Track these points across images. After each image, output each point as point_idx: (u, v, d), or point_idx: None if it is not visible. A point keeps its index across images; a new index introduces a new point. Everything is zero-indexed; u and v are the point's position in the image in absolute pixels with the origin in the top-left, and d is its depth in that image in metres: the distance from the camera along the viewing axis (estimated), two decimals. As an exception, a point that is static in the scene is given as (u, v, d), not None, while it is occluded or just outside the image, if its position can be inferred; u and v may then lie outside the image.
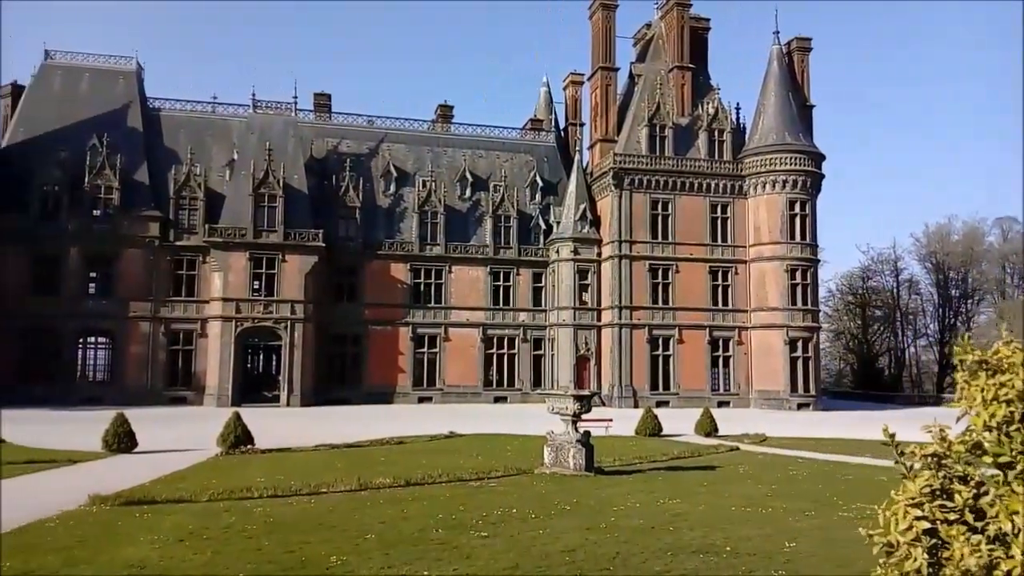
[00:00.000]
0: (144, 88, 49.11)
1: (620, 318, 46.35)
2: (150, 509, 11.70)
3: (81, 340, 43.42)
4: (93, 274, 44.28)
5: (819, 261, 48.72)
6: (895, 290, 73.26)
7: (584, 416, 17.09)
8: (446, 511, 11.41)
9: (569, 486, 14.23)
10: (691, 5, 50.99)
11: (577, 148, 53.34)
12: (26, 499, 12.72)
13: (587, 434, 16.99)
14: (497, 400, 48.10)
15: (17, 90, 48.20)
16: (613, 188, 47.15)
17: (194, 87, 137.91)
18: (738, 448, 23.12)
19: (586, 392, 18.38)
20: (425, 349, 47.94)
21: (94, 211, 43.71)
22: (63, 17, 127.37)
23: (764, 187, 47.69)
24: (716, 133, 49.33)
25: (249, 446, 21.15)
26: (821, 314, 54.02)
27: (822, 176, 48.86)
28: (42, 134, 44.71)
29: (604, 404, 43.94)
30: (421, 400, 47.02)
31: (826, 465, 18.90)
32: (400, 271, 47.99)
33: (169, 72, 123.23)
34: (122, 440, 20.78)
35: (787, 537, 9.61)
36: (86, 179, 43.30)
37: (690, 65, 50.34)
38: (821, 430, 30.61)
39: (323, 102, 52.56)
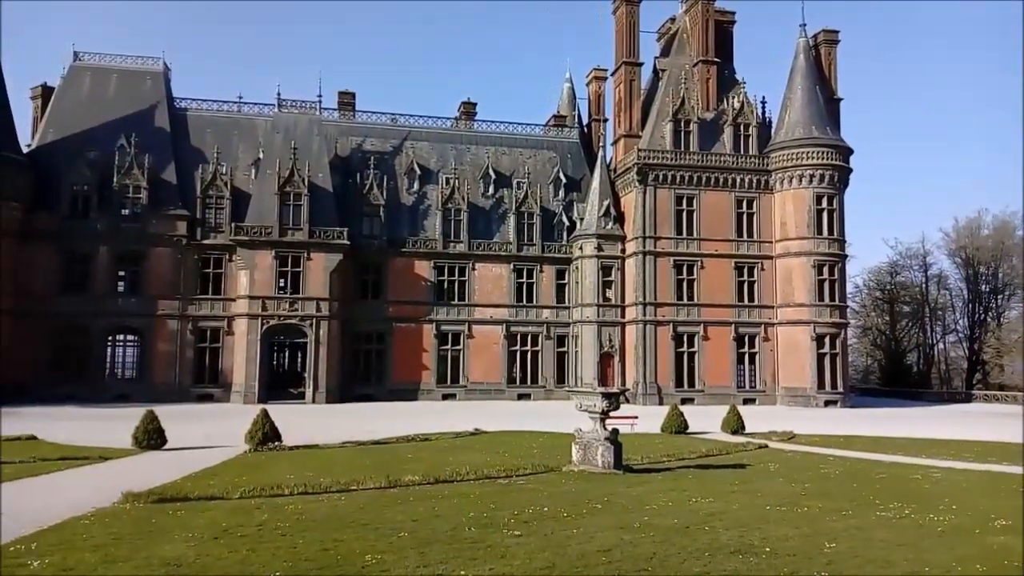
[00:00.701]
0: (171, 88, 49.61)
1: (644, 315, 46.08)
2: (183, 506, 11.77)
3: (110, 338, 43.98)
4: (122, 273, 44.80)
5: (847, 256, 48.09)
6: (924, 285, 72.17)
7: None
8: (477, 509, 11.36)
9: (599, 484, 14.13)
10: (716, -2, 50.52)
11: (600, 144, 53.06)
12: (60, 496, 12.87)
13: (615, 432, 16.87)
14: (520, 397, 48.07)
15: (47, 91, 48.87)
16: (637, 184, 46.86)
17: (220, 87, 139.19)
18: (767, 446, 22.87)
19: (615, 389, 18.24)
20: (449, 346, 48.01)
21: (123, 210, 44.24)
22: (91, 17, 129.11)
23: (791, 182, 47.15)
24: (742, 127, 48.84)
25: (277, 443, 21.27)
26: (848, 310, 53.34)
27: (850, 170, 48.22)
28: (71, 135, 45.32)
29: (629, 401, 43.72)
30: (445, 397, 47.11)
31: (858, 463, 18.61)
32: (424, 268, 48.09)
33: (195, 72, 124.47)
34: (152, 437, 20.97)
35: (826, 538, 9.44)
36: (115, 179, 43.83)
37: (715, 59, 49.88)
38: (850, 427, 30.24)
39: (347, 101, 52.75)
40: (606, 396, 16.61)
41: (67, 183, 43.59)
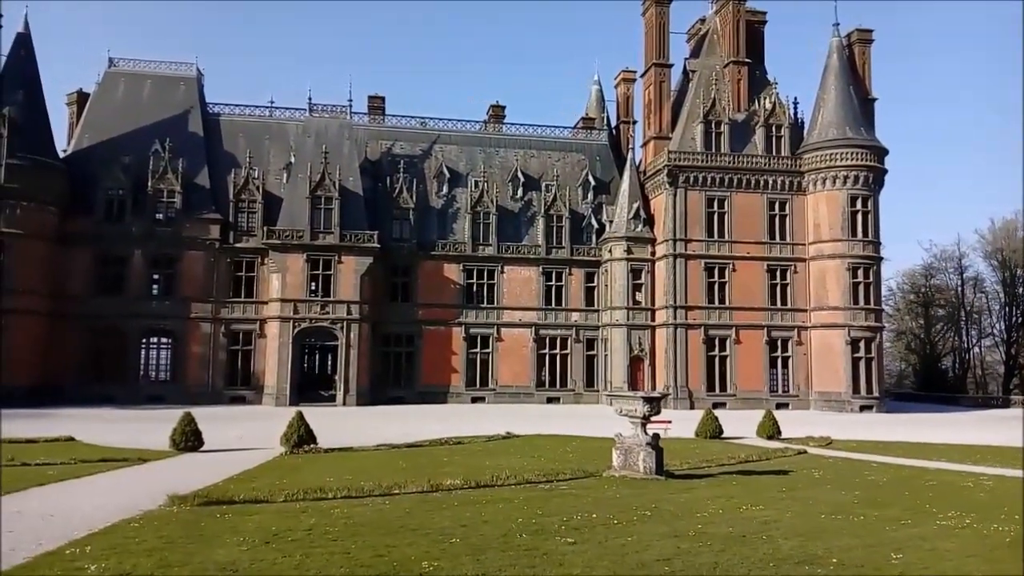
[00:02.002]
0: (204, 93, 50.20)
1: (675, 318, 45.69)
2: (229, 509, 11.75)
3: (144, 340, 44.50)
4: (156, 275, 45.33)
5: (882, 259, 47.33)
6: (959, 288, 70.82)
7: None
8: (524, 515, 11.22)
9: (643, 490, 13.93)
10: (747, -2, 50.06)
11: (630, 146, 52.75)
12: (105, 498, 12.93)
13: (657, 437, 16.63)
14: (550, 400, 47.90)
15: (82, 97, 49.68)
16: (667, 186, 46.50)
17: (251, 91, 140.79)
18: (805, 451, 22.47)
19: (656, 394, 18.00)
20: (478, 349, 47.97)
21: (157, 214, 44.78)
22: (125, 22, 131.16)
23: (824, 183, 46.53)
24: (774, 128, 48.31)
25: (312, 445, 21.32)
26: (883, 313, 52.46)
27: (884, 171, 47.49)
28: (107, 140, 45.99)
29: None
30: (474, 400, 47.08)
31: (904, 470, 18.18)
32: (453, 271, 48.12)
33: (227, 77, 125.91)
34: (189, 439, 21.12)
35: (891, 548, 9.17)
36: (149, 183, 44.40)
37: (746, 60, 49.41)
38: (888, 433, 29.67)
39: (377, 104, 53.02)
40: (647, 401, 16.37)
41: (103, 187, 44.21)
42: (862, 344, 45.33)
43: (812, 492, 14.00)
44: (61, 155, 45.51)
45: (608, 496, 13.21)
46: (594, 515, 11.15)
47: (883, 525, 10.76)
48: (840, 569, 8.13)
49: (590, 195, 51.64)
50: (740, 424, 29.72)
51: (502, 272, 48.76)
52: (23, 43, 44.13)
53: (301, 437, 21.29)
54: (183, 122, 47.81)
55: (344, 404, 43.09)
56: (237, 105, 50.64)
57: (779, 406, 43.36)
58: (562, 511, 11.55)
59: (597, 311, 49.38)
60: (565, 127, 56.52)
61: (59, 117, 49.96)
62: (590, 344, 49.32)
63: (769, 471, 17.54)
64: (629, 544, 9.18)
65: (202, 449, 21.01)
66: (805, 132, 48.75)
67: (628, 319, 47.19)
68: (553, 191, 49.94)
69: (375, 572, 7.91)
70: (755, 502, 12.59)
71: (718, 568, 8.08)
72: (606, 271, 48.86)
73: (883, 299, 56.21)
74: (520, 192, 50.87)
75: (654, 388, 45.98)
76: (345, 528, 10.20)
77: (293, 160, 46.85)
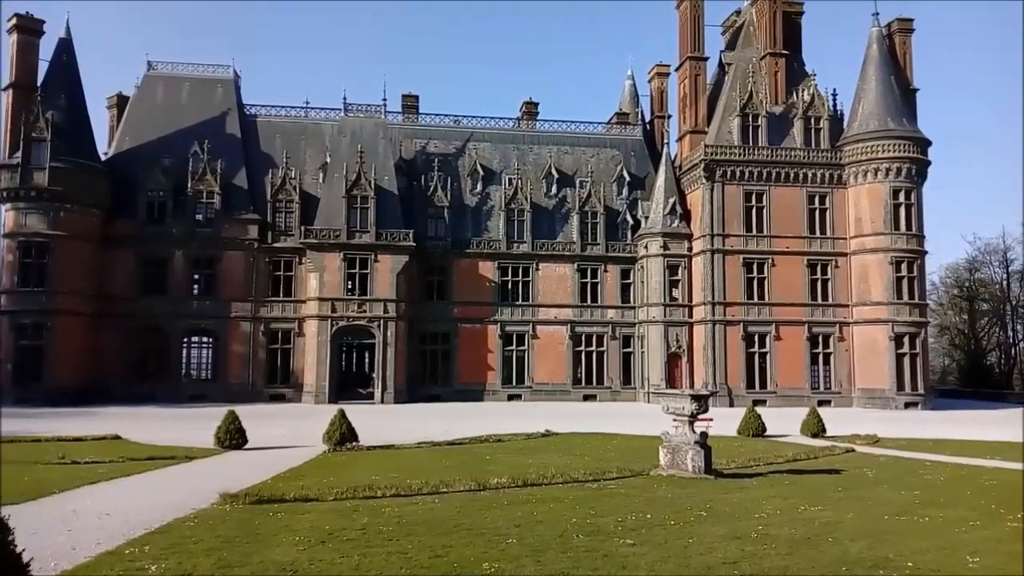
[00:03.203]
0: (241, 95, 50.70)
1: (713, 314, 45.12)
2: (281, 508, 11.78)
3: (186, 339, 45.12)
4: (196, 276, 45.92)
5: (925, 252, 46.25)
6: (1005, 282, 69.02)
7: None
8: (577, 515, 11.07)
9: (694, 490, 13.69)
10: (784, -11, 49.19)
11: (665, 141, 52.22)
12: (158, 497, 13.04)
13: (704, 435, 16.37)
14: (586, 398, 47.64)
15: (122, 100, 50.53)
16: (704, 180, 45.93)
17: (287, 92, 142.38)
18: (853, 450, 22.01)
19: (704, 391, 17.72)
20: (514, 347, 47.88)
21: (197, 215, 45.36)
22: (163, 22, 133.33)
23: (866, 176, 45.60)
24: (812, 121, 47.46)
25: (354, 443, 21.40)
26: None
27: (928, 163, 46.38)
28: (147, 142, 46.70)
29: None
30: (510, 398, 47.00)
31: (960, 469, 17.68)
32: (488, 269, 48.06)
33: (264, 77, 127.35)
34: (233, 437, 21.30)
35: (966, 551, 8.84)
36: (189, 185, 45.00)
37: (783, 51, 48.59)
38: (935, 431, 28.94)
39: (411, 103, 53.14)
40: (695, 398, 16.12)
41: (144, 189, 44.90)
42: (906, 340, 44.36)
43: (869, 492, 13.65)
44: (102, 158, 46.29)
45: (659, 496, 13.01)
46: (648, 515, 10.95)
47: (951, 527, 10.42)
48: (916, 572, 7.86)
49: (625, 191, 51.24)
50: (782, 422, 29.25)
51: (537, 269, 48.59)
52: (65, 48, 44.95)
53: (343, 435, 21.38)
54: (221, 124, 48.37)
55: (382, 402, 43.29)
56: (273, 106, 51.18)
57: (821, 403, 42.51)
58: (615, 511, 11.37)
59: (633, 308, 48.99)
60: (599, 123, 56.11)
61: (100, 120, 50.97)
62: (626, 341, 48.95)
63: (819, 470, 17.18)
64: (691, 546, 8.98)
65: (246, 447, 21.18)
66: (845, 124, 47.82)
67: (665, 316, 46.73)
68: (587, 187, 49.64)
69: (435, 574, 7.83)
70: (812, 502, 12.30)
71: (788, 572, 7.85)
72: (642, 267, 48.43)
73: (926, 294, 54.99)
74: (554, 189, 50.65)
75: (692, 385, 45.46)
76: (398, 527, 10.14)
77: (329, 160, 47.15)
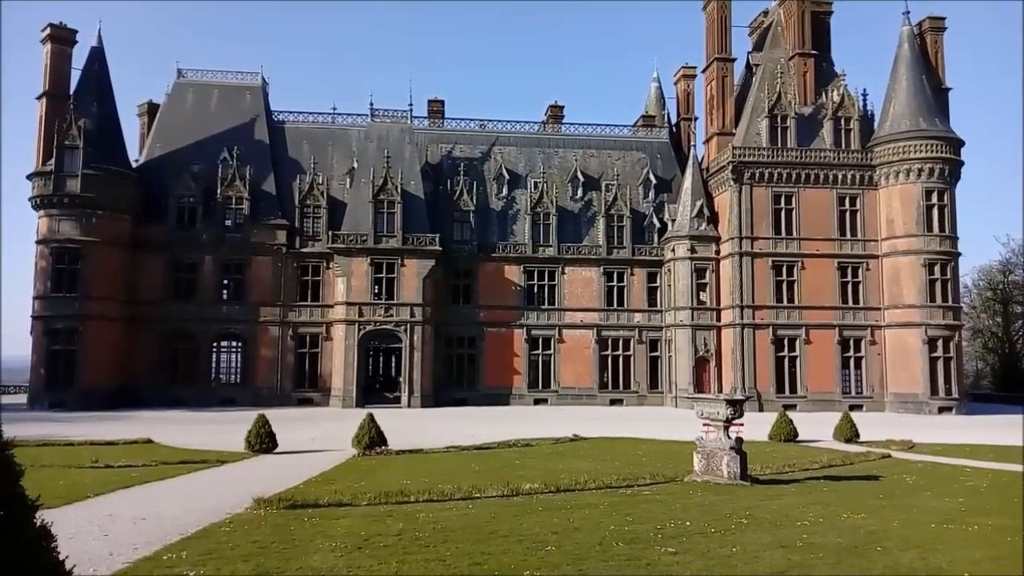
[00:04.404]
0: (269, 101, 51.15)
1: (742, 318, 44.61)
2: (315, 513, 11.75)
3: (215, 343, 45.51)
4: (226, 281, 46.34)
5: (959, 254, 45.37)
6: (1040, 284, 67.48)
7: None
8: (615, 522, 10.91)
9: (731, 496, 13.46)
10: (812, -12, 48.63)
11: (691, 143, 51.80)
12: (192, 501, 13.09)
13: (740, 440, 16.11)
14: (613, 403, 47.31)
15: (152, 108, 51.24)
16: (732, 183, 45.47)
17: (315, 98, 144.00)
18: (889, 456, 21.60)
19: (739, 396, 17.46)
20: (540, 351, 47.70)
21: (226, 221, 45.77)
22: (192, 31, 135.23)
23: (897, 176, 44.87)
24: (842, 121, 46.80)
25: (383, 447, 21.39)
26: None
27: (961, 163, 45.54)
28: (177, 149, 47.21)
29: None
30: (537, 402, 46.82)
31: (1003, 475, 17.25)
32: (513, 273, 47.96)
33: (292, 84, 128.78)
34: (264, 441, 21.41)
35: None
36: (218, 190, 45.44)
37: (812, 52, 48.00)
38: (972, 436, 28.36)
39: (437, 108, 53.28)
40: (730, 403, 15.87)
41: (174, 195, 45.39)
42: (940, 343, 43.53)
43: (912, 499, 13.33)
44: (133, 164, 46.87)
45: (696, 502, 12.80)
46: (687, 523, 10.76)
47: (1002, 536, 10.11)
48: (974, 585, 7.62)
49: (651, 194, 50.89)
50: (814, 426, 28.85)
51: (563, 273, 48.40)
52: (97, 57, 45.62)
53: (372, 439, 21.37)
54: (249, 130, 48.81)
55: (409, 406, 43.33)
56: (301, 112, 51.52)
57: (852, 408, 41.77)
58: (652, 518, 11.19)
59: (660, 311, 48.60)
60: (625, 125, 55.84)
61: (131, 128, 51.66)
62: (653, 345, 48.56)
63: (857, 476, 16.86)
64: (735, 555, 8.78)
65: (276, 451, 21.28)
66: (876, 125, 47.09)
67: (692, 319, 46.28)
68: (613, 190, 49.37)
69: (476, 581, 7.72)
70: (854, 510, 12.02)
71: (838, 582, 7.65)
72: (669, 270, 48.04)
73: (960, 296, 53.96)
74: (580, 192, 50.45)
75: (720, 390, 44.94)
76: (434, 533, 10.04)
77: (356, 165, 47.38)
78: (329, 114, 51.50)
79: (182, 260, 45.21)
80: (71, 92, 44.32)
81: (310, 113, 51.40)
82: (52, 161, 42.24)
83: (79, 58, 45.29)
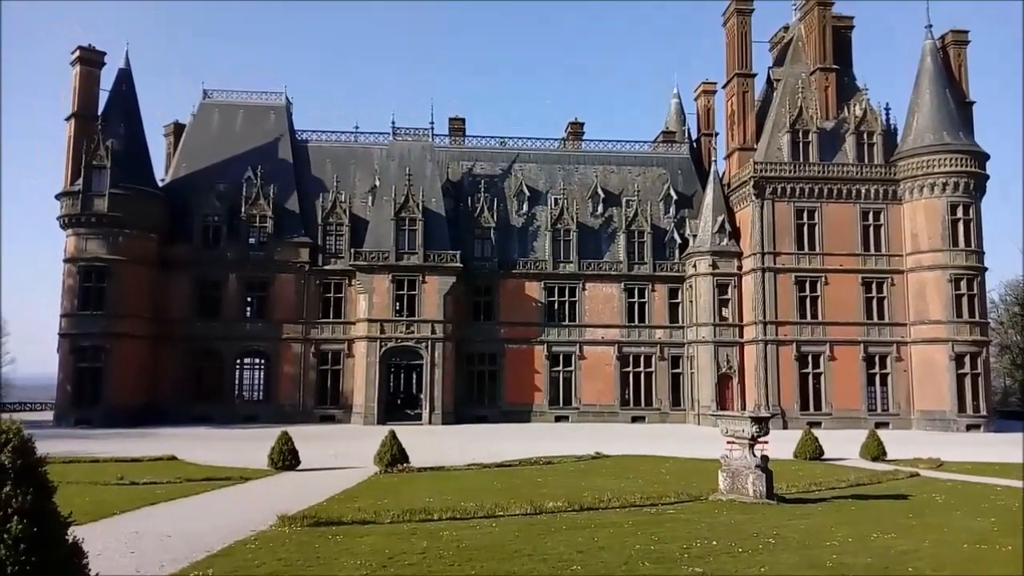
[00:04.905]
0: (292, 121, 51.79)
1: (765, 334, 44.22)
2: (339, 530, 11.76)
3: (239, 361, 45.88)
4: (250, 298, 46.80)
5: (985, 269, 44.74)
6: (1070, 299, 66.31)
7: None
8: (640, 541, 10.81)
9: (757, 515, 13.29)
10: (833, 3, 48.51)
11: (712, 159, 51.69)
12: (217, 518, 13.16)
13: (766, 459, 15.94)
14: (635, 420, 47.00)
15: (179, 128, 52.12)
16: (754, 198, 45.26)
17: (338, 117, 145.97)
18: (918, 474, 21.25)
19: (765, 414, 17.29)
20: (560, 367, 47.57)
21: (250, 239, 46.29)
22: (217, 54, 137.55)
23: (921, 191, 44.44)
24: (865, 136, 46.49)
25: (405, 464, 21.39)
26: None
27: (986, 177, 45.03)
28: (202, 168, 47.93)
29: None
30: (558, 419, 46.61)
31: (1036, 495, 16.87)
32: (534, 289, 47.96)
33: (315, 103, 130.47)
34: (286, 458, 21.50)
35: (1059, 585, 8.39)
36: (242, 209, 46.01)
37: (833, 66, 47.80)
38: (1002, 454, 27.80)
39: (458, 126, 53.73)
40: (755, 421, 15.72)
41: (199, 214, 45.99)
42: (967, 359, 42.87)
43: (942, 519, 13.09)
44: (160, 184, 47.59)
45: (722, 521, 12.65)
46: (714, 542, 10.64)
47: (1038, 557, 9.90)
48: (1010, 608, 7.46)
49: (672, 209, 50.77)
50: (840, 445, 28.47)
51: (583, 289, 48.33)
52: (124, 79, 46.48)
53: (394, 456, 21.38)
54: (273, 149, 49.44)
55: (430, 423, 43.32)
56: (324, 131, 52.13)
57: (879, 425, 41.19)
58: (678, 537, 11.08)
59: (682, 328, 48.32)
60: (645, 141, 55.85)
61: (157, 148, 52.50)
62: (675, 362, 48.24)
63: (885, 495, 16.60)
64: None
65: (299, 468, 21.35)
66: (899, 139, 46.74)
67: (715, 335, 45.95)
68: (634, 206, 49.30)
69: (502, 601, 7.68)
70: (883, 529, 11.82)
71: (870, 604, 7.52)
72: (690, 286, 47.80)
73: (987, 311, 53.16)
74: (600, 208, 50.45)
75: (744, 407, 44.52)
76: (459, 552, 10.01)
77: (378, 183, 47.76)
78: (351, 133, 52.08)
79: (207, 278, 45.73)
80: (99, 113, 45.13)
81: (333, 132, 52.02)
82: (80, 181, 42.97)
83: (107, 79, 46.24)
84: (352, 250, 45.28)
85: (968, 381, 42.64)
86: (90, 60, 45.21)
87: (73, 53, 45.10)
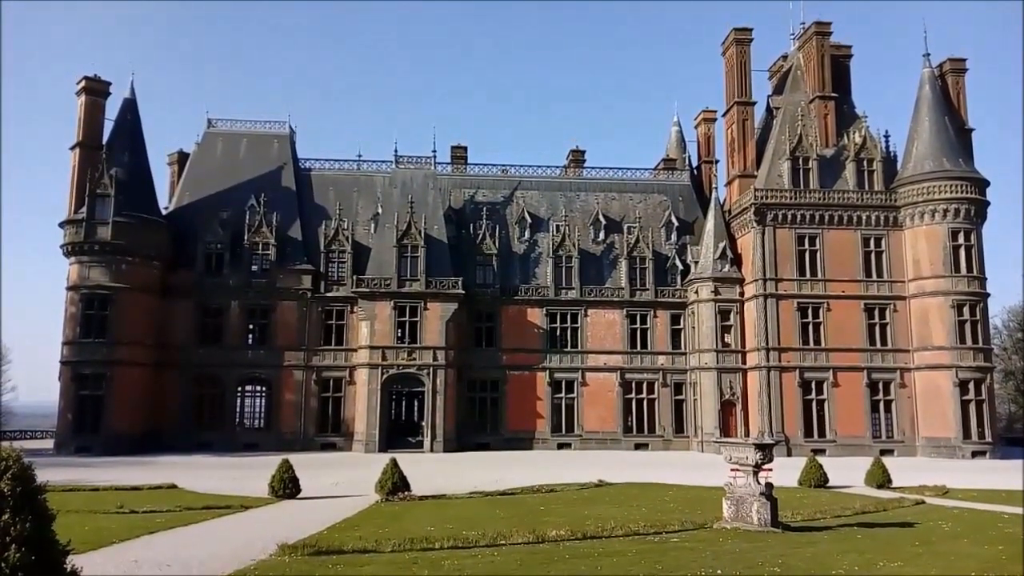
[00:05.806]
0: (296, 149, 52.20)
1: (767, 360, 44.09)
2: (340, 560, 11.66)
3: (240, 388, 45.78)
4: (252, 325, 46.79)
5: (988, 295, 44.71)
6: (1073, 325, 66.17)
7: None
8: (644, 570, 10.71)
9: (762, 544, 13.16)
10: (831, 33, 49.06)
11: (713, 185, 51.91)
12: (217, 547, 13.07)
13: (770, 486, 15.82)
14: (638, 447, 46.69)
15: (183, 157, 52.52)
16: (755, 224, 45.39)
17: (341, 146, 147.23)
18: (923, 502, 21.08)
19: (769, 440, 17.20)
20: (563, 394, 47.39)
21: (252, 266, 46.42)
22: (222, 82, 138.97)
23: (922, 217, 44.57)
24: (865, 163, 46.74)
25: (406, 493, 21.26)
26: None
27: (987, 203, 45.20)
28: (206, 196, 48.20)
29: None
30: (560, 446, 46.32)
31: (1042, 522, 16.70)
32: (536, 316, 47.94)
33: (318, 132, 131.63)
34: (287, 486, 21.36)
35: (1069, 614, 8.27)
36: (245, 237, 46.20)
37: (833, 94, 48.19)
38: (1007, 480, 27.59)
39: (460, 154, 54.12)
40: (759, 448, 15.64)
41: (202, 242, 46.17)
42: (971, 386, 42.69)
43: (950, 547, 12.96)
44: (163, 212, 47.84)
45: (727, 550, 12.53)
46: (718, 571, 10.53)
47: (1048, 586, 9.79)
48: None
49: (673, 236, 50.90)
50: (844, 472, 28.24)
51: (585, 315, 48.30)
52: (129, 108, 46.93)
53: (396, 484, 21.24)
54: (277, 177, 49.77)
55: (431, 450, 43.07)
56: (327, 160, 52.50)
57: (883, 452, 40.91)
58: (682, 566, 10.97)
59: (684, 354, 48.19)
60: (646, 169, 56.18)
61: (161, 176, 52.87)
62: (678, 388, 48.04)
63: (891, 523, 16.43)
64: (768, 604, 8.57)
65: (300, 496, 21.21)
66: (899, 166, 47.00)
67: (717, 362, 45.82)
68: (635, 233, 49.43)
69: (504, 631, 7.58)
70: (890, 558, 11.70)
71: (878, 634, 7.42)
72: (693, 313, 47.76)
73: (990, 337, 52.99)
74: (602, 235, 50.60)
75: (747, 434, 44.23)
76: (463, 582, 9.91)
77: (380, 211, 48.00)
78: (355, 161, 52.43)
79: (209, 305, 45.78)
80: (104, 142, 45.48)
81: (336, 160, 52.41)
82: (84, 209, 43.19)
83: (112, 109, 46.68)
84: (354, 277, 45.36)
85: (972, 407, 42.43)
86: (95, 90, 45.69)
87: (79, 83, 45.60)
